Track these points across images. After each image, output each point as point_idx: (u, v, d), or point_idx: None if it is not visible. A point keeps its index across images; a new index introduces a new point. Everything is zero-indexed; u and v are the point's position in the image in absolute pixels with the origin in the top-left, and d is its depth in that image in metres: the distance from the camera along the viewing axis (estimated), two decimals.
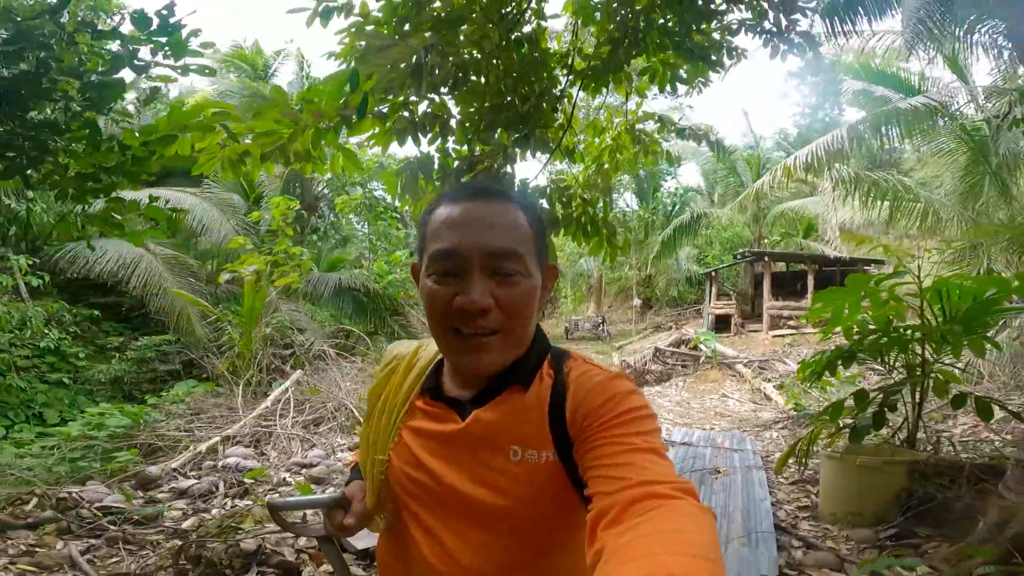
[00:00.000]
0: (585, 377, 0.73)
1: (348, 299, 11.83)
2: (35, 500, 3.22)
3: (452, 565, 0.75)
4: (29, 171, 2.02)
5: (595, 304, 21.22)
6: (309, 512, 2.44)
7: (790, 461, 4.06)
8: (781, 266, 15.60)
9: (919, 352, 3.37)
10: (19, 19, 2.02)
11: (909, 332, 3.28)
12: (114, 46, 2.26)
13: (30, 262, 7.91)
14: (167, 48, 2.02)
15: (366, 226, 12.60)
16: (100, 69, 2.02)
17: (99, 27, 2.12)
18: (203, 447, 4.33)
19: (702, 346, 10.20)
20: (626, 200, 19.83)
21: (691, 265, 17.88)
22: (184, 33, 2.10)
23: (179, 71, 2.07)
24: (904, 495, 3.16)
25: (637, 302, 17.73)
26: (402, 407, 0.81)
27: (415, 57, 2.79)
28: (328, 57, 3.29)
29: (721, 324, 13.85)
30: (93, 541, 2.92)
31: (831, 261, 12.77)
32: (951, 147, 10.82)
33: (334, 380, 6.09)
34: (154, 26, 2.02)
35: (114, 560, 2.77)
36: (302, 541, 2.73)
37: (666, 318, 17.69)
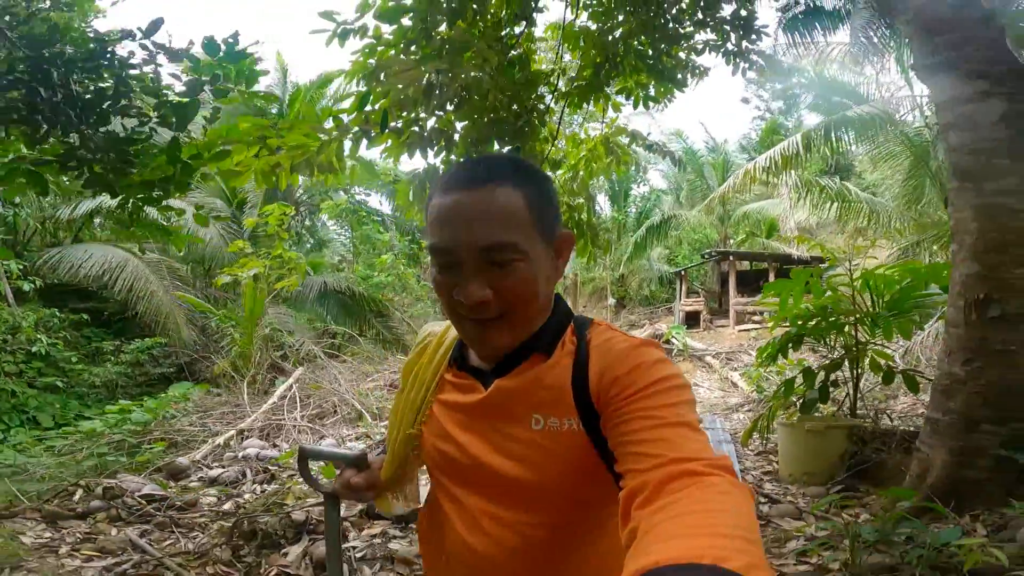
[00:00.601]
0: (608, 344, 0.72)
1: (334, 301, 12.03)
2: (80, 492, 3.47)
3: (481, 537, 0.75)
4: (112, 180, 2.34)
5: (571, 304, 21.76)
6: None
7: (754, 435, 4.62)
8: (746, 265, 16.43)
9: (854, 335, 3.94)
10: (104, 38, 2.34)
11: (843, 317, 3.84)
12: (170, 67, 2.58)
13: (20, 266, 7.93)
14: (232, 72, 2.38)
15: (349, 230, 12.82)
16: (178, 91, 2.35)
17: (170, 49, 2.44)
18: (220, 440, 4.61)
19: (674, 340, 10.86)
20: (600, 203, 20.48)
21: (662, 265, 18.62)
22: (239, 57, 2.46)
23: (245, 95, 2.43)
24: (848, 456, 3.70)
25: (612, 301, 18.36)
26: (432, 381, 0.83)
27: (427, 79, 3.18)
28: (343, 76, 3.67)
29: (691, 320, 14.58)
30: (144, 526, 3.19)
31: (791, 260, 13.59)
32: (896, 152, 11.68)
33: (333, 377, 6.40)
34: (221, 52, 2.37)
35: (168, 542, 3.03)
36: (344, 511, 3.07)
37: (639, 316, 18.35)
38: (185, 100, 2.31)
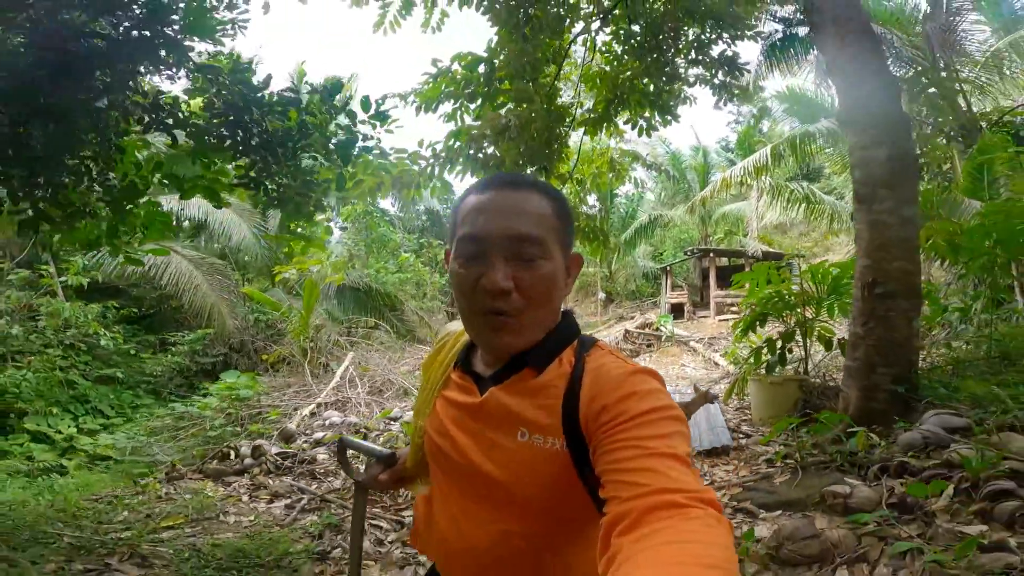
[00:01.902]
0: (604, 369, 0.72)
1: (350, 297, 13.08)
2: (232, 453, 4.52)
3: (457, 533, 0.81)
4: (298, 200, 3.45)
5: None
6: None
7: (733, 395, 5.88)
8: (725, 261, 17.85)
9: (803, 313, 5.21)
10: (294, 90, 3.42)
11: (793, 298, 5.11)
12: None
13: (67, 268, 8.75)
14: (378, 123, 3.48)
15: (367, 232, 13.85)
16: (341, 136, 3.46)
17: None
18: (305, 411, 5.70)
19: (663, 328, 12.17)
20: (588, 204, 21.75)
21: (647, 262, 19.97)
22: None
23: (379, 142, 3.56)
24: (799, 403, 4.94)
25: (601, 296, 19.66)
26: (441, 377, 0.88)
27: (503, 122, 4.38)
28: (414, 100, 4.88)
29: (676, 312, 15.94)
30: (288, 476, 4.22)
31: (765, 256, 15.00)
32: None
33: (375, 361, 7.50)
34: (372, 110, 3.48)
35: (314, 486, 4.01)
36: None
37: (627, 310, 19.69)
38: (348, 139, 3.43)
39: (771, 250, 15.49)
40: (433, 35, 5.70)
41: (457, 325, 0.92)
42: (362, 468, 1.06)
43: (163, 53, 2.82)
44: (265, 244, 10.68)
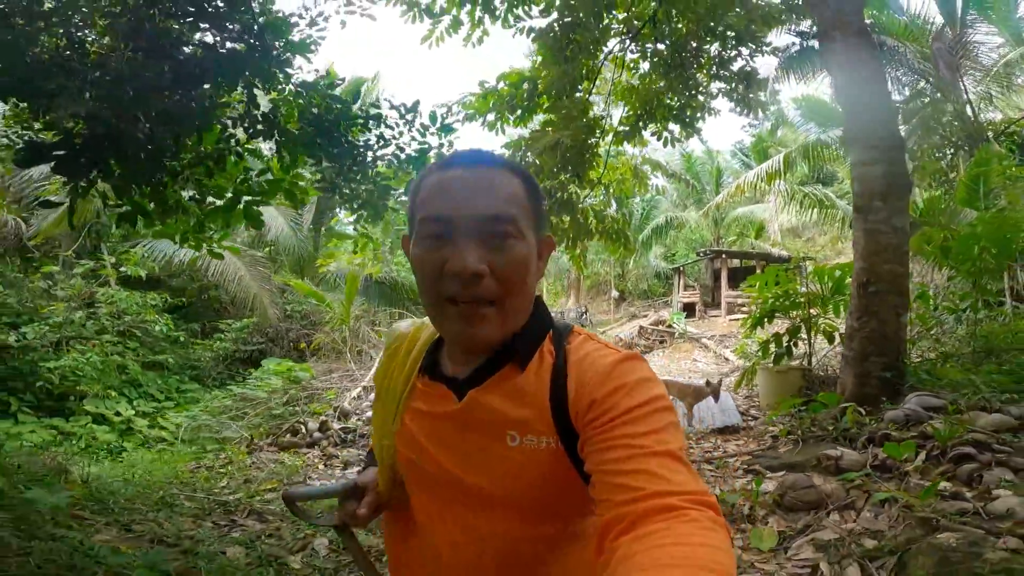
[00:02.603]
0: (589, 359, 0.68)
1: (375, 290, 13.76)
2: (303, 428, 5.15)
3: (453, 549, 0.74)
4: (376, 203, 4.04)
5: (575, 297, 23.64)
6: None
7: (743, 384, 6.43)
8: (736, 262, 18.32)
9: (809, 310, 5.75)
10: (375, 106, 4.00)
11: (800, 298, 5.66)
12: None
13: (130, 259, 9.43)
14: (444, 134, 4.06)
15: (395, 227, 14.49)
16: (415, 148, 4.03)
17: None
18: (354, 393, 6.32)
19: (675, 325, 12.71)
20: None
21: (660, 262, 20.48)
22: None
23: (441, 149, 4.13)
24: (802, 390, 5.49)
25: (615, 294, 20.20)
26: (403, 389, 0.79)
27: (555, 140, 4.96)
28: (459, 110, 5.47)
29: (688, 311, 16.45)
30: (353, 448, 4.85)
31: (775, 258, 15.48)
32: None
33: None
34: (438, 123, 4.06)
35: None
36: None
37: (639, 308, 20.22)
38: (420, 151, 4.01)
39: (783, 253, 15.95)
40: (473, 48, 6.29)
41: (406, 325, 0.86)
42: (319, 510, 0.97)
43: (268, 67, 3.38)
44: (302, 236, 11.33)
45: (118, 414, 8.02)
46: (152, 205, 3.71)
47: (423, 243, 0.68)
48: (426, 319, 0.80)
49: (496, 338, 0.70)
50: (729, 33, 7.06)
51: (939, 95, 11.08)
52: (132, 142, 3.11)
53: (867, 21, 11.11)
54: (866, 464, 3.14)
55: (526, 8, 6.06)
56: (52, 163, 3.01)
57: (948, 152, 11.14)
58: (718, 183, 19.35)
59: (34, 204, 10.31)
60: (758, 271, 16.48)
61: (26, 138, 3.34)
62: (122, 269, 9.04)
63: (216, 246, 4.57)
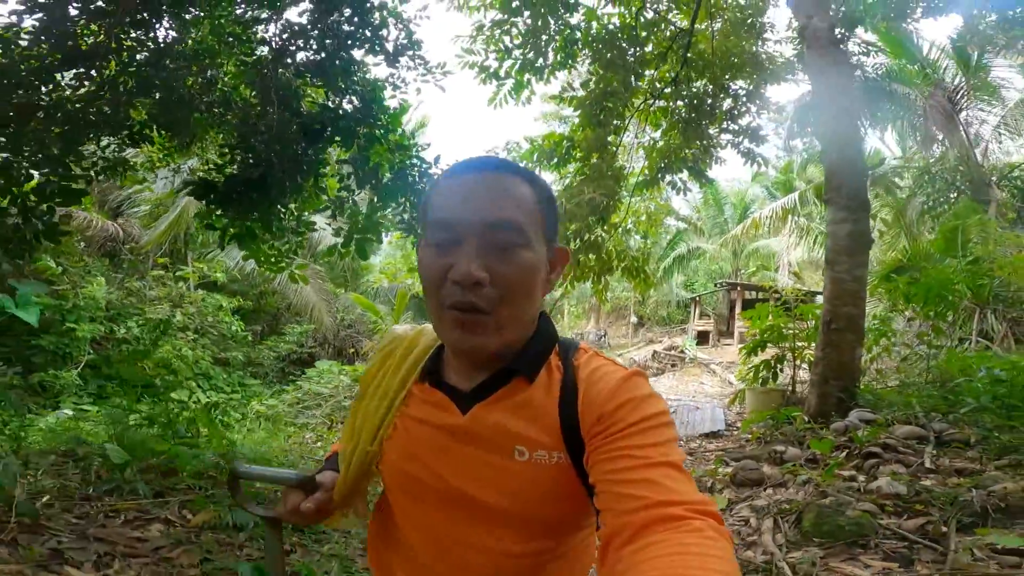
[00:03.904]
0: (597, 375, 0.69)
1: (412, 303, 15.06)
2: None
3: (450, 565, 0.73)
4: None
5: (595, 320, 24.61)
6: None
7: (736, 402, 7.41)
8: (751, 293, 19.09)
9: (795, 342, 6.72)
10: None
11: (786, 329, 6.65)
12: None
13: (216, 267, 10.90)
14: None
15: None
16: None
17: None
18: None
19: (686, 351, 13.64)
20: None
21: (680, 290, 21.36)
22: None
23: None
24: (780, 406, 6.44)
25: (634, 319, 21.12)
26: (398, 393, 0.77)
27: (589, 196, 6.12)
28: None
29: (702, 338, 17.30)
30: None
31: (781, 293, 16.29)
32: (879, 207, 14.29)
33: None
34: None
35: None
36: None
37: (656, 334, 21.08)
38: None
39: (799, 286, 16.69)
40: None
41: (404, 329, 0.85)
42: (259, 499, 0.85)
43: (372, 131, 4.57)
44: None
45: (197, 402, 9.38)
46: (265, 232, 4.87)
47: (429, 248, 0.68)
48: (427, 324, 0.80)
49: (493, 347, 0.68)
50: (741, 91, 8.22)
51: (944, 144, 11.90)
52: (274, 184, 4.33)
53: (874, 68, 11.98)
54: (802, 457, 4.15)
55: (568, 71, 7.35)
56: (208, 195, 4.24)
57: (952, 196, 11.89)
58: (743, 214, 20.24)
59: (122, 209, 11.95)
60: (770, 303, 17.39)
61: (198, 176, 4.58)
62: (206, 273, 10.50)
63: (296, 271, 5.73)
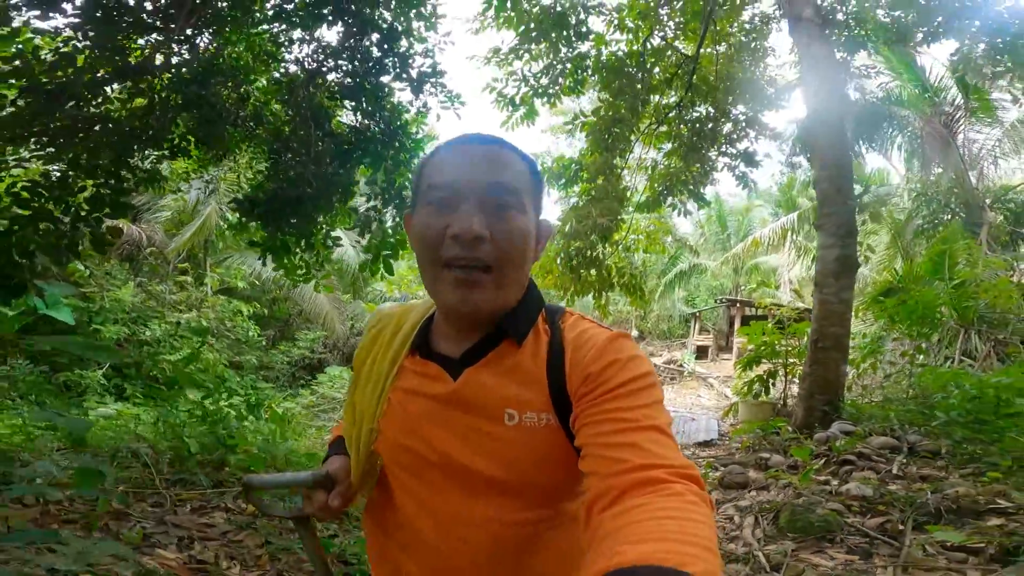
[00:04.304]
0: (584, 336, 0.71)
1: None
2: None
3: (449, 538, 0.72)
4: None
5: None
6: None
7: (730, 414, 7.76)
8: (750, 310, 19.43)
9: (788, 358, 7.09)
10: None
11: (779, 346, 7.01)
12: None
13: (236, 273, 11.30)
14: None
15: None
16: None
17: None
18: None
19: (685, 365, 13.98)
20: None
21: (681, 306, 21.71)
22: None
23: None
24: (771, 417, 6.80)
25: (635, 333, 21.44)
26: (390, 370, 0.77)
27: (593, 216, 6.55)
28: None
29: (701, 353, 17.64)
30: None
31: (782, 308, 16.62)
32: (877, 229, 14.65)
33: None
34: None
35: None
36: None
37: (657, 348, 21.39)
38: None
39: (799, 303, 17.03)
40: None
41: (390, 308, 0.86)
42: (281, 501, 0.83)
43: (398, 153, 4.95)
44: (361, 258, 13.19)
45: (213, 403, 9.75)
46: (298, 247, 5.26)
47: (427, 208, 0.70)
48: (413, 301, 0.83)
49: (491, 306, 0.70)
50: (741, 116, 8.66)
51: (940, 166, 12.28)
52: (310, 202, 4.70)
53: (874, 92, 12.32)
54: (784, 464, 4.50)
55: (576, 96, 7.83)
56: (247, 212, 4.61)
57: (946, 218, 12.25)
58: (745, 233, 20.63)
59: (140, 214, 12.40)
60: (768, 320, 17.76)
61: (242, 195, 4.94)
62: (225, 279, 10.93)
63: (321, 282, 6.09)
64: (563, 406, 0.68)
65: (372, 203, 4.95)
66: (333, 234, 5.47)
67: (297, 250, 5.20)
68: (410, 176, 5.15)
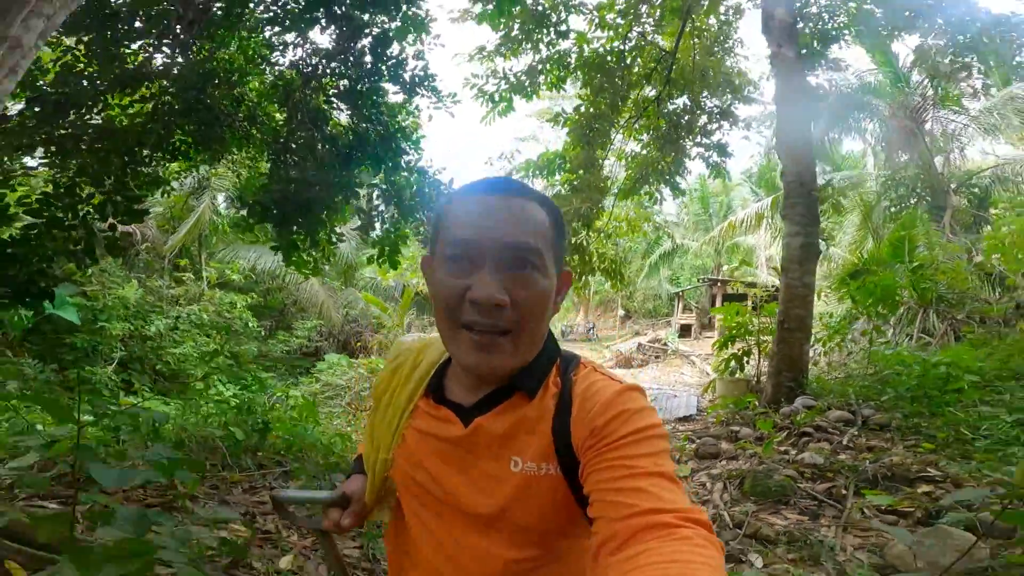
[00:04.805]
0: (592, 389, 0.72)
1: (412, 302, 15.85)
2: None
3: (451, 565, 0.77)
4: None
5: (584, 312, 25.55)
6: None
7: (708, 390, 8.33)
8: (732, 288, 20.11)
9: (760, 337, 7.64)
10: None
11: (751, 326, 7.56)
12: None
13: (233, 267, 11.56)
14: None
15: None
16: None
17: None
18: None
19: (669, 343, 14.60)
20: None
21: (666, 285, 22.34)
22: None
23: None
24: (744, 393, 7.38)
25: (621, 312, 22.06)
26: (406, 407, 0.82)
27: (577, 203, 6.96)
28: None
29: (684, 331, 18.29)
30: None
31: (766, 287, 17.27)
32: (850, 208, 15.19)
33: None
34: None
35: None
36: None
37: (643, 327, 22.05)
38: None
39: (772, 284, 17.74)
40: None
41: (412, 342, 0.90)
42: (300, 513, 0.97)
43: (395, 156, 5.25)
44: (353, 247, 13.46)
45: (219, 393, 10.11)
46: (306, 244, 5.53)
47: (446, 266, 0.71)
48: (432, 335, 0.84)
49: (509, 368, 0.72)
50: (715, 109, 9.08)
51: (904, 156, 12.83)
52: (317, 205, 4.99)
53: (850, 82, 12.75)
54: (752, 436, 5.05)
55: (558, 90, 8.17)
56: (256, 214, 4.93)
57: (912, 202, 12.86)
58: (726, 214, 21.21)
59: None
60: (748, 299, 18.42)
61: (254, 200, 5.19)
62: (225, 272, 11.21)
63: (327, 277, 6.47)
64: (568, 458, 0.70)
65: (375, 203, 5.26)
66: (336, 231, 5.80)
67: (304, 247, 5.49)
68: (407, 176, 5.40)
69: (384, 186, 5.17)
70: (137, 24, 4.18)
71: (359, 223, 5.36)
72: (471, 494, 0.74)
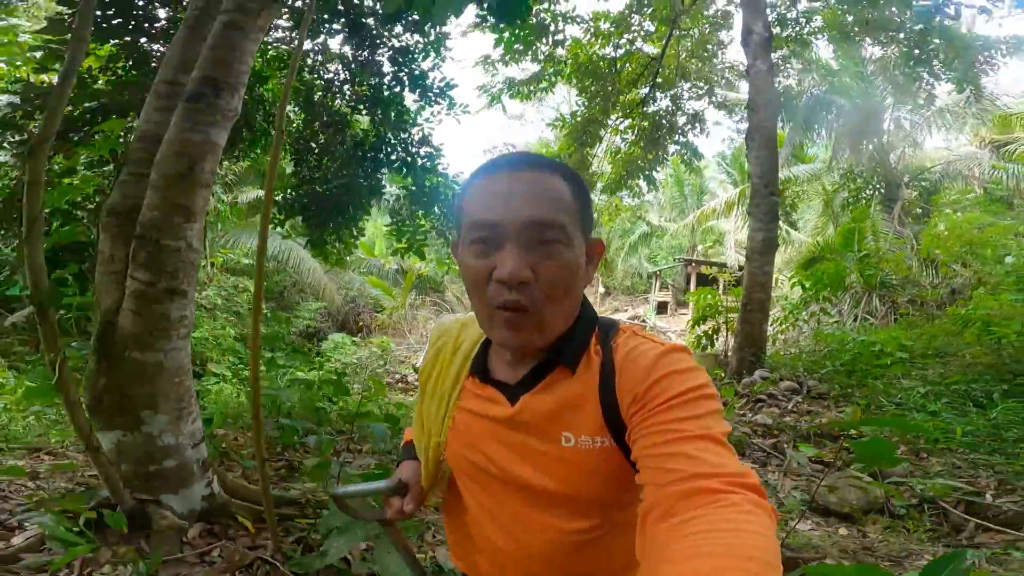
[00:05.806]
0: (633, 355, 0.71)
1: (413, 284, 16.58)
2: (408, 377, 7.96)
3: (510, 541, 0.79)
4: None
5: None
6: None
7: None
8: (708, 268, 21.35)
9: (728, 316, 8.74)
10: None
11: (720, 305, 8.66)
12: None
13: (240, 251, 12.15)
14: None
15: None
16: None
17: None
18: (419, 360, 9.20)
19: (647, 320, 15.77)
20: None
21: (645, 263, 23.50)
22: None
23: None
24: (713, 368, 8.49)
25: (601, 290, 23.18)
26: (453, 389, 0.83)
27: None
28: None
29: (661, 309, 19.52)
30: None
31: (737, 268, 18.49)
32: (812, 194, 16.30)
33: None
34: None
35: None
36: None
37: (622, 303, 23.25)
38: None
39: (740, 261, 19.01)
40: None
41: (449, 324, 0.90)
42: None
43: (412, 159, 5.99)
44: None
45: (235, 375, 10.80)
46: (334, 239, 6.22)
47: (470, 249, 0.71)
48: (470, 315, 0.83)
49: (540, 343, 0.72)
50: (691, 111, 10.02)
51: (862, 148, 13.94)
52: (348, 206, 5.68)
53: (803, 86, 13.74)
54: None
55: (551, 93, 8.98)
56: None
57: (868, 193, 14.03)
58: (700, 198, 22.31)
59: None
60: (720, 279, 19.72)
61: (287, 196, 5.75)
62: (232, 256, 11.81)
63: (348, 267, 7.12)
64: (617, 426, 0.70)
65: (402, 201, 5.94)
66: (359, 226, 6.48)
67: (332, 242, 6.16)
68: (431, 178, 5.51)
69: (413, 188, 5.76)
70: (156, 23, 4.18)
71: (390, 220, 6.06)
72: (527, 471, 0.75)
